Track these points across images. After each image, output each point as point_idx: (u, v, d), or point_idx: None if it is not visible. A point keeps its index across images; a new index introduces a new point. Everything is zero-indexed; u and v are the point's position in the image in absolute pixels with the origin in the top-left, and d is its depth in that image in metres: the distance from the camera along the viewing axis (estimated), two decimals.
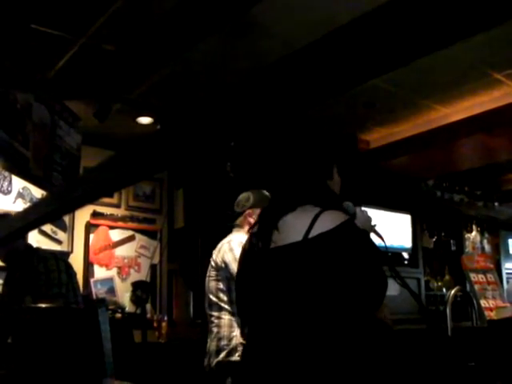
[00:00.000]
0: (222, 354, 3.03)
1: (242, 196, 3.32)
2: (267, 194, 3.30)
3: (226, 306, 3.10)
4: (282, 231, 1.96)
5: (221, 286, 3.13)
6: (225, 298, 3.11)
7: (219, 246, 3.24)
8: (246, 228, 3.24)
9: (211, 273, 3.21)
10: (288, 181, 2.11)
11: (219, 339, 3.07)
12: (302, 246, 1.86)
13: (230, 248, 3.11)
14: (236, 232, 3.27)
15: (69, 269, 4.06)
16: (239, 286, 2.23)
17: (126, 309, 5.59)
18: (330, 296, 1.87)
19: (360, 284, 1.87)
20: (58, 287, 3.82)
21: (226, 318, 3.09)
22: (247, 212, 3.25)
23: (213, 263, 3.21)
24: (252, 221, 3.22)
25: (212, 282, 3.18)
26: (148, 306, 5.80)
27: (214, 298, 3.15)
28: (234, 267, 3.04)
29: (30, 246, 4.07)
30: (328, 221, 1.86)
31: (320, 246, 1.84)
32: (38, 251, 4.10)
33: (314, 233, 1.85)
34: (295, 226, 1.91)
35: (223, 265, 3.10)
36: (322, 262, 1.84)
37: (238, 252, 3.04)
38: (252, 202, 3.25)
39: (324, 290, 1.86)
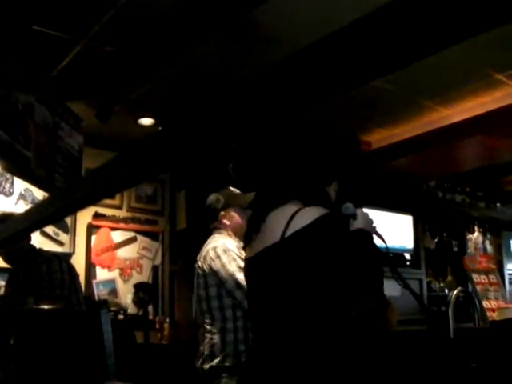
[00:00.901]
0: (216, 360, 3.02)
1: (211, 199, 3.29)
2: (236, 190, 3.29)
3: (218, 313, 3.08)
4: (264, 231, 1.94)
5: (211, 292, 3.11)
6: (216, 305, 3.09)
7: (204, 252, 3.20)
8: (224, 230, 3.24)
9: (199, 280, 3.18)
10: (277, 178, 2.10)
11: (212, 345, 3.06)
12: (280, 246, 1.84)
13: (217, 255, 3.08)
14: (217, 235, 3.25)
15: (71, 270, 4.05)
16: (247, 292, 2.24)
17: (128, 310, 5.59)
18: (313, 295, 1.85)
19: (340, 279, 1.83)
20: (60, 289, 3.82)
21: (218, 324, 3.08)
22: (221, 214, 3.23)
23: (199, 270, 3.18)
24: (227, 222, 3.21)
25: (201, 290, 3.16)
26: (150, 308, 5.80)
27: (205, 306, 3.14)
28: (222, 274, 3.03)
29: (34, 247, 4.07)
30: (304, 217, 1.83)
31: (295, 244, 1.81)
32: (42, 252, 4.11)
33: (290, 231, 1.82)
34: (275, 225, 1.89)
35: (210, 272, 3.08)
36: (299, 260, 1.81)
37: (224, 258, 3.03)
38: (223, 203, 3.23)
39: (306, 289, 1.84)
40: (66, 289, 3.86)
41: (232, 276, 2.95)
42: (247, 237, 2.07)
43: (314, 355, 1.82)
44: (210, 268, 3.07)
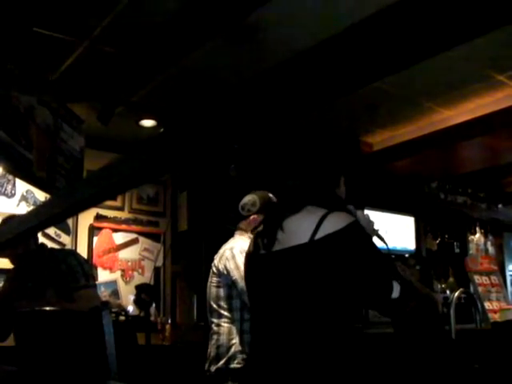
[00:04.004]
0: (222, 361, 3.02)
1: (248, 200, 3.25)
2: (271, 195, 3.25)
3: (226, 313, 3.08)
4: (287, 232, 1.94)
5: (221, 292, 3.11)
6: (225, 305, 3.09)
7: (221, 251, 3.21)
8: (246, 232, 3.22)
9: (212, 279, 3.19)
10: (294, 182, 2.11)
11: (218, 346, 3.06)
12: (309, 247, 1.85)
13: (233, 255, 3.08)
14: (239, 236, 3.24)
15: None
16: (248, 290, 2.22)
17: (130, 312, 5.59)
18: (337, 298, 1.87)
19: (367, 285, 1.87)
20: (85, 279, 3.84)
21: (225, 325, 3.08)
22: (253, 217, 3.20)
23: (214, 269, 3.19)
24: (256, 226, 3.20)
25: (213, 289, 3.16)
26: (152, 309, 5.79)
27: (214, 305, 3.13)
28: (235, 274, 3.03)
29: (45, 245, 4.08)
30: (335, 222, 1.85)
31: (326, 247, 1.82)
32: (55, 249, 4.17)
33: (320, 234, 1.83)
34: (301, 227, 1.90)
35: (225, 271, 3.08)
36: (329, 263, 1.83)
37: (240, 259, 3.02)
38: (258, 207, 3.19)
39: (331, 292, 1.86)
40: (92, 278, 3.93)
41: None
42: (262, 241, 2.06)
43: (322, 360, 1.82)
44: (225, 267, 3.08)
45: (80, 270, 3.75)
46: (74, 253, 4.07)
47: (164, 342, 5.56)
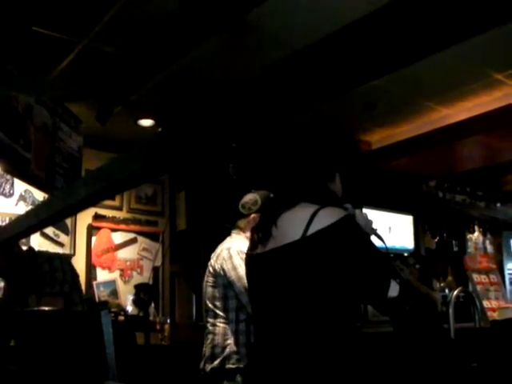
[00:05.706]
0: (217, 361, 3.01)
1: (249, 198, 3.22)
2: (272, 195, 3.23)
3: (221, 314, 3.08)
4: (280, 229, 1.95)
5: (217, 293, 3.10)
6: (220, 306, 3.08)
7: (218, 251, 3.19)
8: (243, 232, 3.21)
9: (209, 278, 3.17)
10: (289, 179, 2.11)
11: (213, 346, 3.05)
12: (301, 244, 1.85)
13: (230, 255, 3.07)
14: (236, 235, 3.23)
15: (73, 270, 4.06)
16: (248, 290, 2.23)
17: (129, 311, 5.59)
18: (333, 294, 1.86)
19: (361, 280, 1.86)
20: (60, 286, 3.81)
21: (220, 325, 3.07)
22: (252, 216, 3.18)
23: (211, 269, 3.17)
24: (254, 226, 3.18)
25: (209, 288, 3.15)
26: (151, 309, 5.80)
27: (210, 305, 3.13)
28: (232, 275, 3.02)
29: (32, 249, 4.06)
30: (326, 217, 1.84)
31: (319, 242, 1.82)
32: (42, 252, 4.10)
33: (312, 230, 1.83)
34: (293, 224, 1.90)
35: (221, 272, 3.07)
36: (322, 259, 1.83)
37: (237, 260, 3.02)
38: (259, 206, 3.17)
39: (327, 288, 1.85)
40: (67, 286, 3.86)
41: (241, 279, 2.93)
42: (257, 236, 2.06)
43: (322, 359, 1.82)
44: (221, 268, 3.07)
45: (48, 275, 3.73)
46: (51, 257, 4.00)
47: (163, 341, 5.56)
